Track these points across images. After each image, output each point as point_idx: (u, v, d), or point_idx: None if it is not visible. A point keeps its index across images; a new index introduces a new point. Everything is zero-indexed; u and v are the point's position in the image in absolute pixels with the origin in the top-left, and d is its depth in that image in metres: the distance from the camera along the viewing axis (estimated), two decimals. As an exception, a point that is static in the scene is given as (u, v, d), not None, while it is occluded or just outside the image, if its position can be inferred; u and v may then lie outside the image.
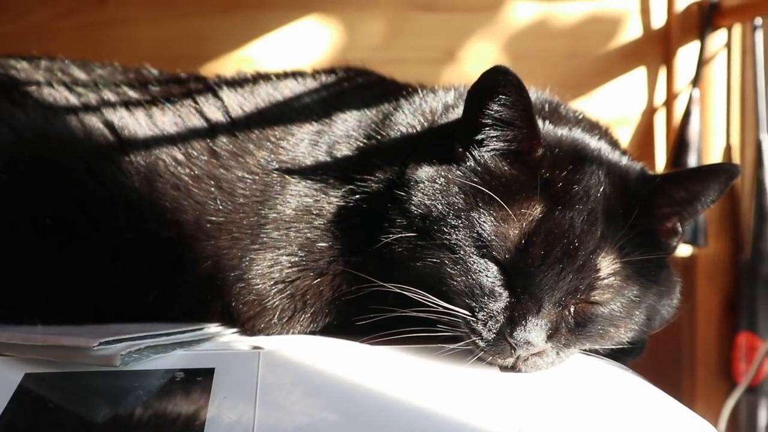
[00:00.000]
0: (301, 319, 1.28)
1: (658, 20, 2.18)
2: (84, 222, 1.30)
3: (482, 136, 1.18)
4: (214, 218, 1.29)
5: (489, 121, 1.17)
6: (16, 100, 1.39)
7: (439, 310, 1.14)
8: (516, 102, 1.14)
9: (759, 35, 2.08)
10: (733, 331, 2.12)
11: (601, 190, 1.17)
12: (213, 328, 1.26)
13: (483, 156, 1.18)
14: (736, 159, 2.14)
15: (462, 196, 1.16)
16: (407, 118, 1.31)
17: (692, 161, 2.07)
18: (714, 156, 2.13)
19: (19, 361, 1.13)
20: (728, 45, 2.15)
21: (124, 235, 1.29)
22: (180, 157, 1.33)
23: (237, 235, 1.28)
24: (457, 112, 1.28)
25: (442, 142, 1.23)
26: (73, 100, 1.41)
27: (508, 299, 1.13)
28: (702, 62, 2.11)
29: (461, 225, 1.15)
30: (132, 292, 1.29)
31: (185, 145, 1.35)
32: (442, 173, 1.19)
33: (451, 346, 1.14)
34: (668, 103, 2.16)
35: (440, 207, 1.16)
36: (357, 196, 1.26)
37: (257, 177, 1.31)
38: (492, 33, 2.14)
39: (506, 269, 1.14)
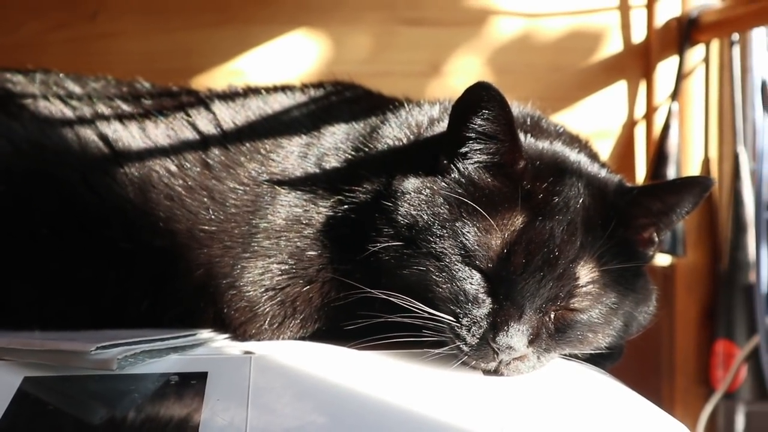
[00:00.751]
0: (291, 325, 1.31)
1: (639, 35, 2.22)
2: (79, 231, 1.33)
3: (466, 149, 1.22)
4: (206, 227, 1.32)
5: (472, 134, 1.20)
6: (12, 113, 1.42)
7: (425, 316, 1.17)
8: (498, 116, 1.18)
9: (736, 50, 2.13)
10: (710, 338, 2.16)
11: (581, 201, 1.21)
12: (205, 333, 1.29)
13: (467, 168, 1.22)
14: (714, 171, 2.18)
15: (447, 206, 1.20)
16: (394, 131, 1.35)
17: (671, 173, 2.11)
18: (692, 168, 2.17)
19: (18, 365, 1.15)
20: (706, 60, 2.19)
21: (118, 244, 1.33)
22: (173, 168, 1.37)
23: (229, 243, 1.32)
24: (442, 126, 1.32)
25: (427, 155, 1.26)
26: (68, 112, 1.44)
27: (491, 306, 1.17)
28: (681, 76, 2.15)
29: (446, 235, 1.18)
30: (125, 300, 1.33)
31: (178, 156, 1.38)
32: (428, 184, 1.23)
33: (436, 351, 1.17)
34: (648, 116, 2.21)
35: (426, 217, 1.20)
36: (345, 207, 1.29)
37: (248, 188, 1.34)
38: (476, 47, 2.18)
39: (489, 277, 1.17)
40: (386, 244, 1.22)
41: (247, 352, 1.23)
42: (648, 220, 1.25)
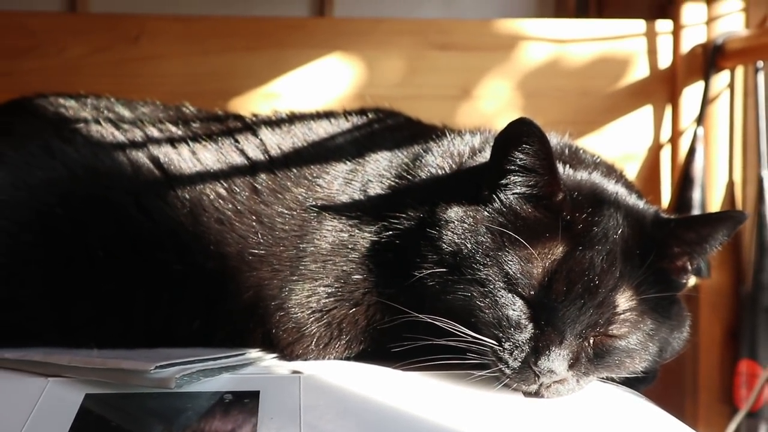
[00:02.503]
0: (336, 346, 1.35)
1: (665, 61, 2.27)
2: (133, 254, 1.37)
3: (507, 180, 1.26)
4: (255, 251, 1.37)
5: (513, 167, 1.25)
6: (66, 138, 1.46)
7: (468, 340, 1.22)
8: (538, 151, 1.23)
9: (761, 77, 2.18)
10: (734, 358, 2.20)
11: (620, 231, 1.25)
12: (254, 353, 1.34)
13: (508, 198, 1.27)
14: (738, 194, 2.23)
15: (489, 236, 1.24)
16: (437, 160, 1.39)
17: (696, 196, 2.15)
18: (717, 191, 2.22)
19: (80, 382, 1.20)
20: (731, 86, 2.24)
21: (171, 266, 1.37)
22: (223, 192, 1.41)
23: (277, 266, 1.36)
24: (484, 156, 1.36)
25: (469, 184, 1.31)
26: (120, 136, 1.48)
27: (532, 331, 1.21)
28: (706, 102, 2.20)
29: (489, 263, 1.23)
30: (178, 320, 1.37)
31: (228, 181, 1.42)
32: (471, 214, 1.27)
33: (479, 373, 1.22)
34: (673, 140, 2.25)
35: (470, 245, 1.24)
36: (390, 233, 1.33)
37: (295, 212, 1.39)
38: (506, 72, 2.23)
39: (531, 304, 1.22)
40: (431, 270, 1.26)
41: (295, 372, 1.28)
42: (682, 250, 1.29)
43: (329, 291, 1.34)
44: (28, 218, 1.39)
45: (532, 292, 1.22)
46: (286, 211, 1.39)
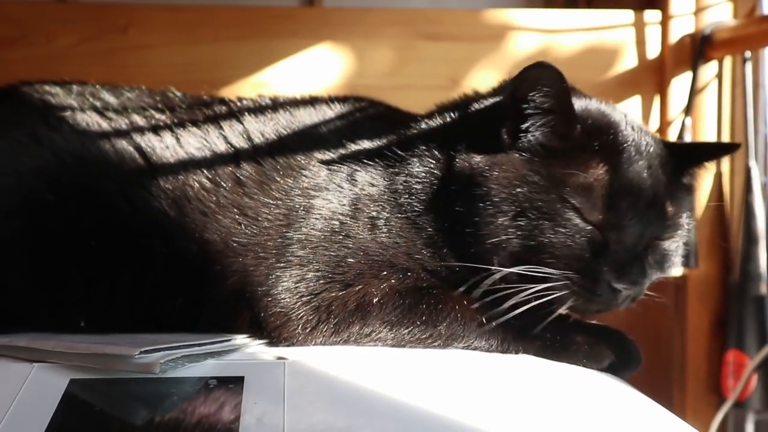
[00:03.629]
0: (324, 330, 1.35)
1: (653, 51, 2.28)
2: (120, 240, 1.38)
3: (528, 124, 1.32)
4: (239, 239, 1.37)
5: (533, 111, 1.31)
6: (53, 125, 1.46)
7: (548, 278, 1.29)
8: (558, 92, 1.30)
9: (748, 67, 2.19)
10: (722, 348, 2.21)
11: (650, 148, 1.35)
12: (240, 339, 1.34)
13: (536, 139, 1.32)
14: (725, 185, 2.23)
15: (537, 176, 1.30)
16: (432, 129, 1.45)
17: (684, 186, 2.16)
18: (705, 181, 2.22)
19: (64, 367, 1.20)
20: (719, 76, 2.25)
21: (155, 250, 1.38)
22: (206, 183, 1.41)
23: (262, 255, 1.36)
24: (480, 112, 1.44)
25: (481, 135, 1.36)
26: (105, 124, 1.48)
27: (608, 253, 1.29)
28: (694, 92, 2.21)
29: (551, 199, 1.29)
30: (163, 300, 1.38)
31: (211, 170, 1.43)
32: (505, 160, 1.33)
33: (564, 306, 1.30)
34: (662, 131, 2.25)
35: (524, 189, 1.30)
36: (410, 207, 1.39)
37: (280, 202, 1.39)
38: (495, 62, 2.23)
39: (601, 227, 1.29)
40: (494, 223, 1.30)
41: (280, 358, 1.28)
42: (692, 168, 1.42)
43: (319, 275, 1.34)
44: (17, 205, 1.39)
45: (600, 216, 1.28)
46: (271, 201, 1.40)
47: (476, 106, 1.45)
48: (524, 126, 1.32)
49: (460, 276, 1.35)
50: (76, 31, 2.15)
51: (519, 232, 1.29)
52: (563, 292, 1.29)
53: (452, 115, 1.47)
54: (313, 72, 2.20)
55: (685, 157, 1.40)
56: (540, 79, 1.28)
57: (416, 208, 1.38)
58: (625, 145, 1.32)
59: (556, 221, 1.28)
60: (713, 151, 1.48)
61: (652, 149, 1.35)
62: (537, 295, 1.28)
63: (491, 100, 1.45)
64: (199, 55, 2.19)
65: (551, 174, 1.30)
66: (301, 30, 2.21)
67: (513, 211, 1.29)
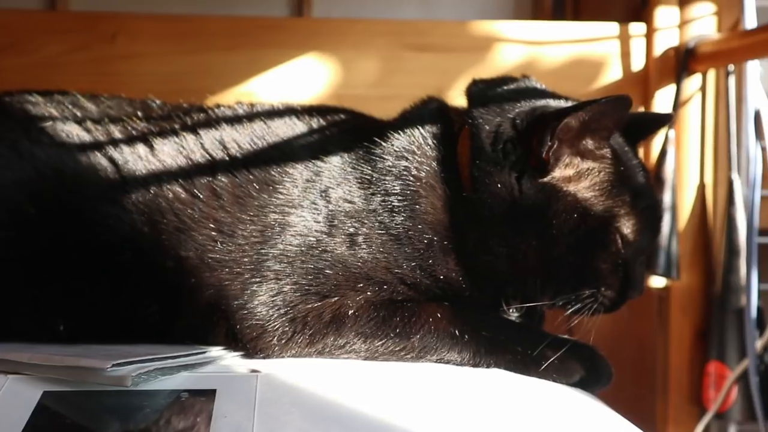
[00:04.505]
0: (299, 341, 1.36)
1: (638, 64, 2.29)
2: (98, 253, 1.39)
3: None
4: (214, 255, 1.37)
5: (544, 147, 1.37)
6: (34, 138, 1.46)
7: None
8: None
9: (731, 80, 2.20)
10: (703, 359, 2.22)
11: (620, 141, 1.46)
12: (215, 351, 1.35)
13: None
14: (709, 197, 2.25)
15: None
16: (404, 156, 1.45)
17: (667, 198, 2.17)
18: (688, 193, 2.24)
19: (38, 379, 1.21)
20: (703, 89, 2.26)
21: (131, 264, 1.38)
22: (182, 194, 1.41)
23: (238, 270, 1.37)
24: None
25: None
26: (83, 135, 1.48)
27: (629, 269, 1.40)
28: (678, 104, 2.22)
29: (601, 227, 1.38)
30: (139, 310, 1.39)
31: (187, 182, 1.42)
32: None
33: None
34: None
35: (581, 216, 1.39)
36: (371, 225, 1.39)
37: (256, 218, 1.39)
38: (482, 73, 2.18)
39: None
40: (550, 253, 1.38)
41: (254, 371, 1.29)
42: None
43: (296, 287, 1.36)
44: (1, 218, 1.40)
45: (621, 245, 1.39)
46: (246, 217, 1.40)
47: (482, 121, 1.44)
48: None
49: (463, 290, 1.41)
50: (65, 39, 2.16)
51: (571, 260, 1.36)
52: (594, 307, 1.39)
53: (429, 129, 1.48)
54: (300, 82, 2.21)
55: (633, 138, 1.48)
56: (551, 121, 1.36)
57: (403, 225, 1.39)
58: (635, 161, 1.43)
59: (607, 248, 1.38)
60: (651, 124, 1.61)
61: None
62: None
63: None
64: (187, 65, 2.20)
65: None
66: (289, 40, 2.23)
67: (573, 240, 1.36)
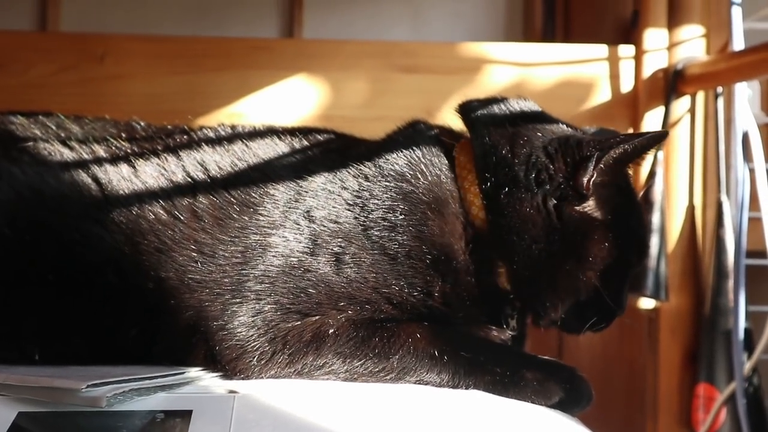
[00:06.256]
0: (279, 360, 1.34)
1: (627, 86, 2.30)
2: (77, 276, 1.38)
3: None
4: (195, 276, 1.37)
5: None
6: (13, 158, 1.45)
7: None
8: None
9: (720, 102, 2.21)
10: (693, 381, 2.22)
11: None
12: (193, 372, 1.34)
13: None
14: (698, 219, 2.25)
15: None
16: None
17: (656, 220, 2.17)
18: (677, 215, 2.24)
19: (14, 400, 1.20)
20: (692, 110, 2.27)
21: (111, 285, 1.38)
22: (163, 216, 1.40)
23: (218, 291, 1.36)
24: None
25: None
26: (67, 154, 1.47)
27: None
28: (667, 126, 2.23)
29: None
30: (118, 331, 1.37)
31: (168, 203, 1.41)
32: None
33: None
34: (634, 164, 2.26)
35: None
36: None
37: (237, 239, 1.38)
38: (470, 94, 2.19)
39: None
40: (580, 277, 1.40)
41: (231, 391, 1.28)
42: None
43: (276, 307, 1.35)
44: None
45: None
46: (227, 239, 1.39)
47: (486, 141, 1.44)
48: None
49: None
50: (53, 60, 2.17)
51: (596, 282, 1.39)
52: (601, 325, 1.42)
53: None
54: (289, 103, 2.22)
55: None
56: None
57: (404, 244, 1.38)
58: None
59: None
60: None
61: None
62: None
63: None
64: (176, 86, 2.21)
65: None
66: (278, 61, 2.24)
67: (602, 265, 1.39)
